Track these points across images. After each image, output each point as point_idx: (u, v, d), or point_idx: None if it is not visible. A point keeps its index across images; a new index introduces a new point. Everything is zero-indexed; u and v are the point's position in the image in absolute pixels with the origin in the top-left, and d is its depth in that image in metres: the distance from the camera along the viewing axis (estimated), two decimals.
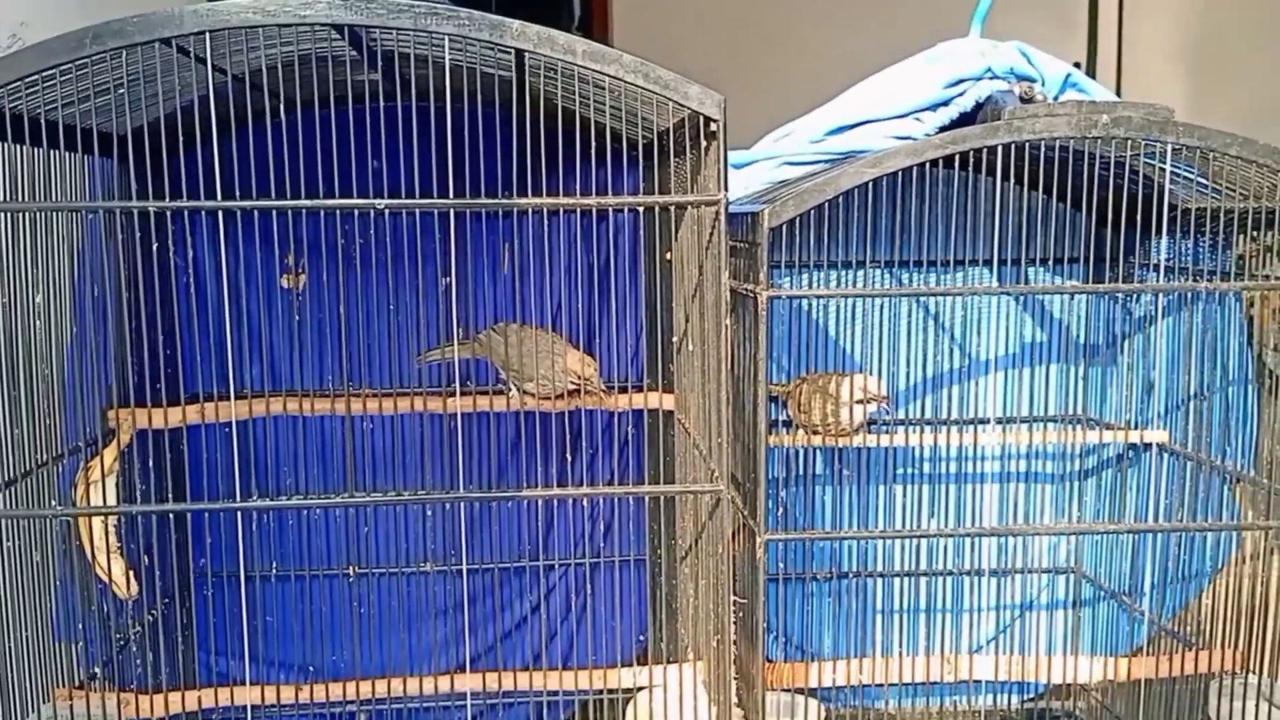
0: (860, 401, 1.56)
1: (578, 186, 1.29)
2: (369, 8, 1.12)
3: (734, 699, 1.33)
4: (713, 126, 1.20)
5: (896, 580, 1.76)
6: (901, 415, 1.76)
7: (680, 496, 1.52)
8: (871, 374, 1.60)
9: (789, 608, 1.79)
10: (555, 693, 1.55)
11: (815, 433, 1.62)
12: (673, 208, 1.47)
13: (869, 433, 1.67)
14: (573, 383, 1.56)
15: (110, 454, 1.43)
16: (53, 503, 1.34)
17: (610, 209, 1.69)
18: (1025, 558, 1.84)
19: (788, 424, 1.67)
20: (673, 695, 1.41)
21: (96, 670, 1.46)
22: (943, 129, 1.67)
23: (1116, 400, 1.77)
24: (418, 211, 1.25)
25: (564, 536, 1.84)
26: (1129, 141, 1.31)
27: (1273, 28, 3.68)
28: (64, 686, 1.40)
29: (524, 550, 1.83)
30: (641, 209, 1.71)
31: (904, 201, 1.67)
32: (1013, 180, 1.65)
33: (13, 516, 1.26)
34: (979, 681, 1.65)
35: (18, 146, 1.23)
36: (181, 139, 1.28)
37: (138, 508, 1.35)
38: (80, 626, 1.42)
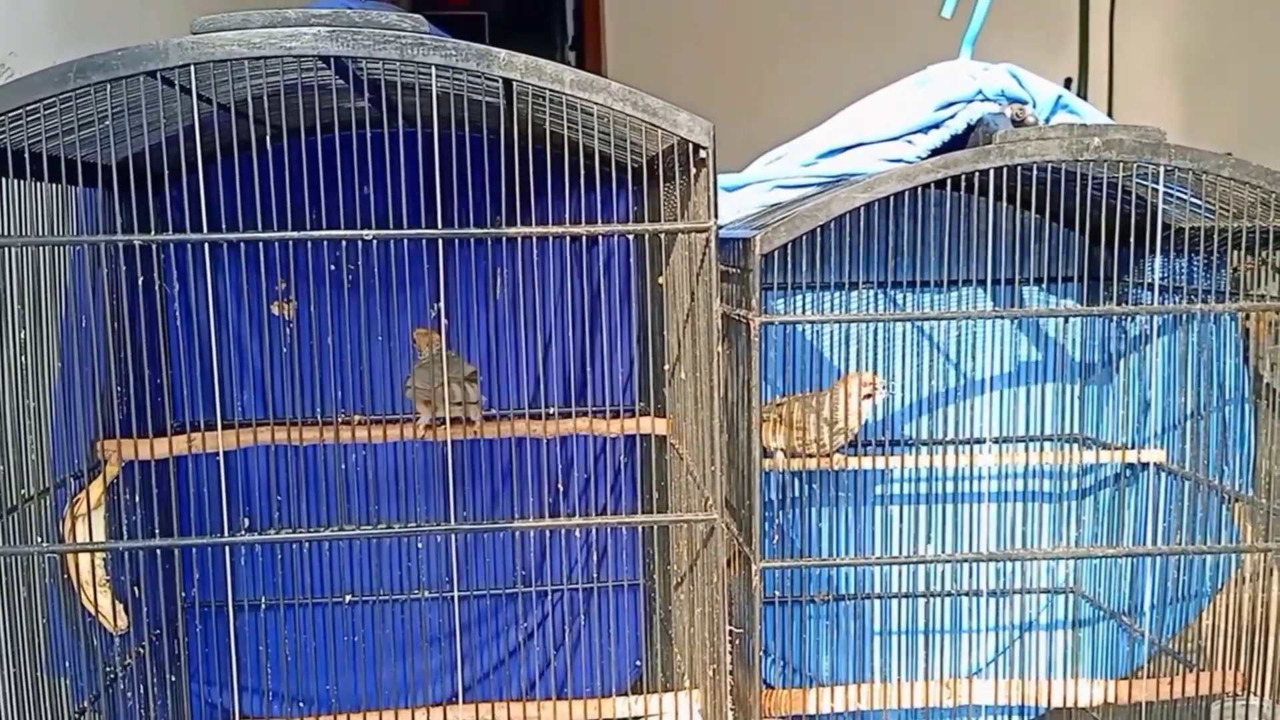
0: (868, 396, 1.54)
1: (569, 212, 1.28)
2: (355, 39, 1.11)
3: None
4: (702, 154, 1.19)
5: (894, 602, 1.74)
6: (897, 437, 1.75)
7: (675, 523, 1.51)
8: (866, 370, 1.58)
9: (785, 631, 1.77)
10: None
11: (809, 456, 1.60)
12: (663, 234, 1.46)
13: (864, 454, 1.66)
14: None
15: (97, 488, 1.42)
16: (38, 539, 1.32)
17: (601, 234, 1.68)
18: (1024, 578, 1.82)
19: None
20: None
21: (86, 705, 1.44)
22: (935, 151, 1.66)
23: (1113, 419, 1.76)
24: (407, 239, 1.24)
25: (558, 563, 1.83)
26: (1121, 163, 1.30)
27: (1263, 41, 3.69)
28: None
29: (518, 577, 1.82)
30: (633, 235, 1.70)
31: (897, 223, 1.66)
32: (1005, 200, 1.64)
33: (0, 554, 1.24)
34: (979, 705, 1.64)
35: (3, 181, 1.22)
36: (169, 169, 1.27)
37: (124, 543, 1.34)
38: (69, 663, 1.40)
